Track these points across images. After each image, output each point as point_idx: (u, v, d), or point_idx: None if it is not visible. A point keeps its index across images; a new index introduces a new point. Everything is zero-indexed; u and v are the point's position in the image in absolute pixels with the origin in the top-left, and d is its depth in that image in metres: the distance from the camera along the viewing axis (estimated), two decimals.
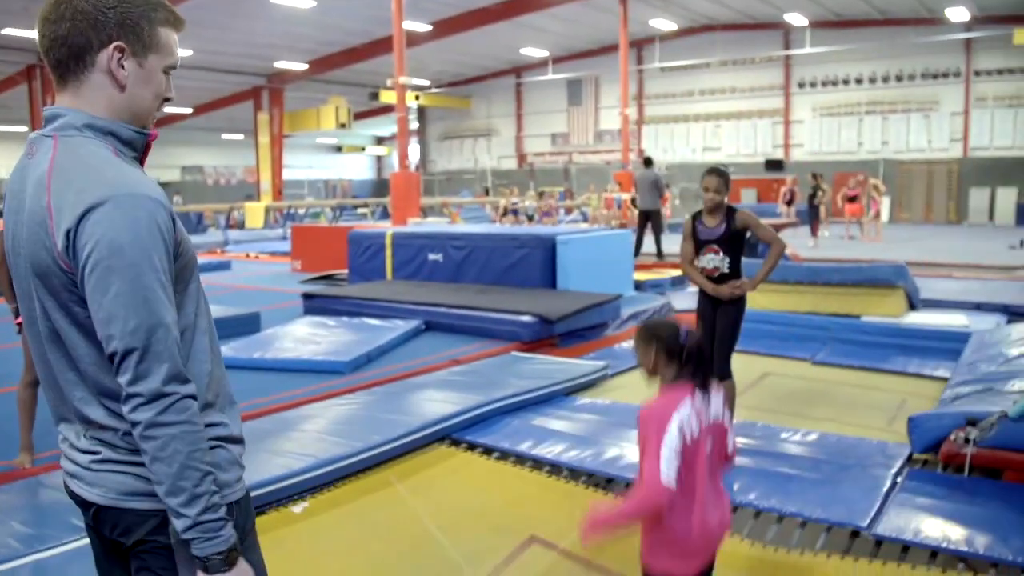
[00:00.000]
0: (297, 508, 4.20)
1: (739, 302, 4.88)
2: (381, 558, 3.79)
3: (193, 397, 1.52)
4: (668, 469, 2.32)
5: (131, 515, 1.59)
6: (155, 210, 1.49)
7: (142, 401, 1.46)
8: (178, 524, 1.50)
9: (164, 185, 37.75)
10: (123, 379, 1.46)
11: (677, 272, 12.22)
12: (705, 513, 2.45)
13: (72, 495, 1.68)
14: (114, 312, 1.44)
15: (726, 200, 4.88)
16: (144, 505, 1.58)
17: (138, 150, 1.63)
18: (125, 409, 1.48)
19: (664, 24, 28.48)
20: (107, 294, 1.43)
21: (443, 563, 3.71)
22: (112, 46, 1.52)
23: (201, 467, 1.50)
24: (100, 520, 1.64)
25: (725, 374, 4.89)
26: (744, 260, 5.05)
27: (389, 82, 17.44)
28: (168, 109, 29.13)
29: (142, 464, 1.53)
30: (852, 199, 20.00)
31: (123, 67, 1.54)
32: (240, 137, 39.74)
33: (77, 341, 1.53)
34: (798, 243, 16.31)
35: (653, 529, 2.47)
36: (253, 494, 4.03)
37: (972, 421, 4.27)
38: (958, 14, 23.83)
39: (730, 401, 4.88)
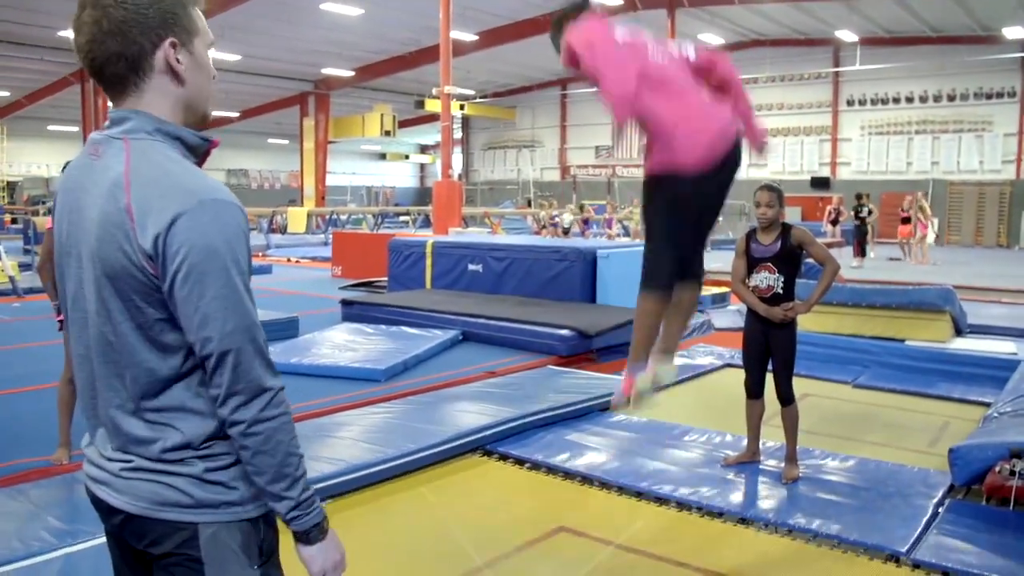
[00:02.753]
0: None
1: (792, 324, 4.76)
2: (400, 556, 3.81)
3: (283, 389, 1.56)
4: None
5: (163, 526, 1.56)
6: (239, 216, 1.52)
7: (243, 400, 1.49)
8: (281, 506, 1.56)
9: None
10: (221, 379, 1.47)
11: (717, 289, 12.10)
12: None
13: (96, 500, 1.64)
14: (211, 314, 1.45)
15: (781, 217, 4.77)
16: (177, 517, 1.55)
17: (199, 156, 1.63)
18: (224, 411, 1.49)
19: (712, 39, 28.31)
20: (203, 297, 1.44)
21: (461, 561, 3.70)
22: (166, 43, 1.51)
23: (298, 452, 1.57)
24: (127, 529, 1.61)
25: (789, 399, 4.78)
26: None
27: (434, 91, 17.52)
28: (215, 113, 29.61)
29: (177, 475, 1.53)
30: (906, 220, 19.64)
31: (180, 61, 1.53)
32: (285, 142, 40.23)
33: (135, 347, 1.50)
34: (842, 263, 16.03)
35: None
36: None
37: (1017, 453, 4.16)
38: (1014, 32, 23.39)
39: (793, 426, 4.78)
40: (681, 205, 3.12)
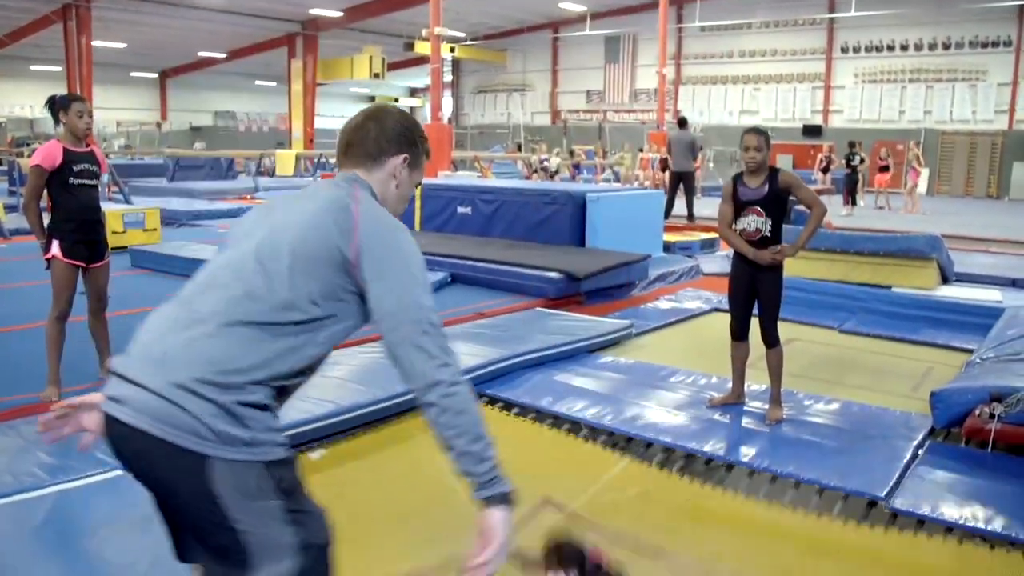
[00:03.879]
0: (315, 455, 4.24)
1: (779, 268, 4.76)
2: (397, 508, 3.81)
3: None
4: None
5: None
6: (415, 243, 1.92)
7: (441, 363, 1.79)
8: (481, 467, 1.78)
9: (195, 130, 37.90)
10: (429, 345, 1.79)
11: (707, 235, 12.13)
12: None
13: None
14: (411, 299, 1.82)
15: (767, 161, 4.75)
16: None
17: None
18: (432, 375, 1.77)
19: None
20: (404, 288, 1.81)
21: (457, 516, 3.73)
22: (402, 156, 2.03)
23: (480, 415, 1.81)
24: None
25: (774, 341, 4.82)
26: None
27: (424, 32, 17.29)
28: (202, 53, 29.24)
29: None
30: (883, 169, 19.66)
31: (402, 173, 2.05)
32: (273, 84, 39.76)
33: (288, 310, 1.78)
34: (832, 211, 16.07)
35: None
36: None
37: (997, 397, 4.21)
38: None
39: (778, 368, 4.83)
40: None
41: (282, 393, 1.87)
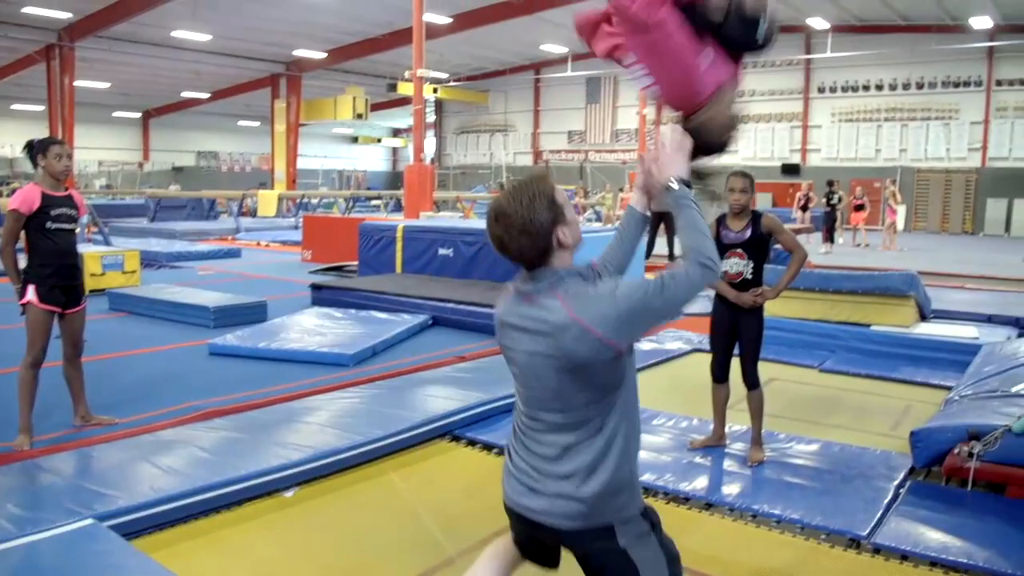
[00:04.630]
0: (288, 493, 4.24)
1: (759, 310, 4.79)
2: (369, 541, 3.80)
3: None
4: None
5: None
6: (623, 285, 2.14)
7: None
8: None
9: (177, 171, 37.86)
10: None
11: None
12: None
13: None
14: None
15: (751, 203, 4.79)
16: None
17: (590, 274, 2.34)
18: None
19: None
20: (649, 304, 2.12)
21: (431, 548, 3.70)
22: (556, 232, 2.16)
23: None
24: None
25: (754, 383, 4.83)
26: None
27: (407, 74, 17.41)
28: (185, 93, 29.18)
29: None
30: (860, 207, 19.90)
31: (565, 234, 2.18)
32: (256, 124, 39.86)
33: (581, 394, 2.18)
34: (811, 249, 16.20)
35: None
36: (251, 483, 4.06)
37: (975, 435, 4.22)
38: (981, 22, 23.62)
39: (759, 410, 4.83)
40: None
41: None
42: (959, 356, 7.20)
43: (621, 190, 23.61)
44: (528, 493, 2.24)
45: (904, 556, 3.62)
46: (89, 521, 3.46)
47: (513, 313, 2.27)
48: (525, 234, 2.15)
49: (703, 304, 5.11)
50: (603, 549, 2.22)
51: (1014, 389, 5.14)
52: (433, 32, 22.14)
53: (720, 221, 4.83)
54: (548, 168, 35.92)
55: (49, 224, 4.76)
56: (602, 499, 2.17)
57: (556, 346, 2.11)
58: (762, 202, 28.82)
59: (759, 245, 4.72)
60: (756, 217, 4.72)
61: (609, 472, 2.17)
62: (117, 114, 37.23)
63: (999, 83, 27.14)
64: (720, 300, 4.85)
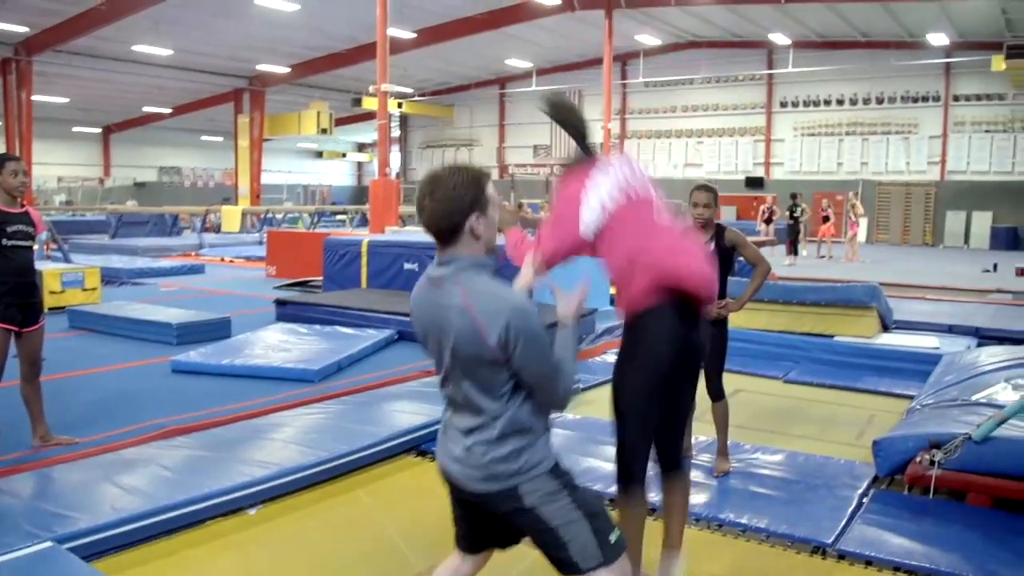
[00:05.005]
0: (252, 511, 4.18)
1: (724, 322, 4.83)
2: (336, 558, 3.77)
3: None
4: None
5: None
6: (533, 308, 2.36)
7: (560, 406, 2.47)
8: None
9: (139, 186, 37.45)
10: (545, 397, 2.41)
11: None
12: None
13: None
14: (540, 366, 2.34)
15: (715, 217, 4.83)
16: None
17: (494, 268, 2.44)
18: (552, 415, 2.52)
19: (649, 39, 28.62)
20: (533, 359, 2.31)
21: (399, 564, 3.67)
22: (471, 218, 2.35)
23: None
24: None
25: (719, 394, 4.85)
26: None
27: (371, 88, 17.39)
28: (147, 108, 28.74)
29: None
30: (825, 219, 20.25)
31: (480, 225, 2.37)
32: (220, 139, 39.54)
33: (481, 376, 2.37)
34: (775, 261, 16.36)
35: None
36: (214, 502, 4.00)
37: (936, 444, 4.28)
38: (938, 39, 24.10)
39: (724, 421, 4.86)
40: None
41: None
42: (921, 366, 7.30)
43: None
44: (450, 460, 2.49)
45: (868, 562, 3.66)
46: (48, 544, 3.39)
47: (423, 298, 2.49)
48: (442, 202, 2.35)
49: None
50: (513, 510, 2.43)
51: (974, 398, 5.22)
52: (397, 47, 22.16)
53: None
54: (514, 182, 36.00)
55: (4, 241, 4.68)
56: (502, 462, 2.38)
57: (454, 331, 2.34)
58: (727, 215, 29.12)
59: (723, 258, 4.75)
60: (720, 231, 4.76)
61: (510, 437, 2.39)
62: (77, 129, 36.76)
63: (956, 98, 27.69)
64: None
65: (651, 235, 3.04)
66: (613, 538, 2.46)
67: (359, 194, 43.80)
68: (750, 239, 5.22)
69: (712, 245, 4.72)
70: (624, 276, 3.05)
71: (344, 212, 28.82)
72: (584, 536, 2.43)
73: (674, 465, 3.28)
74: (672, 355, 3.02)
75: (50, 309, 9.86)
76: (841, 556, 3.72)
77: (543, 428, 2.49)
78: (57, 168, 36.04)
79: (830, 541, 3.80)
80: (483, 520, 2.60)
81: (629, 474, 3.08)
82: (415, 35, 24.87)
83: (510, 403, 2.39)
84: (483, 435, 2.41)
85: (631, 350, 3.07)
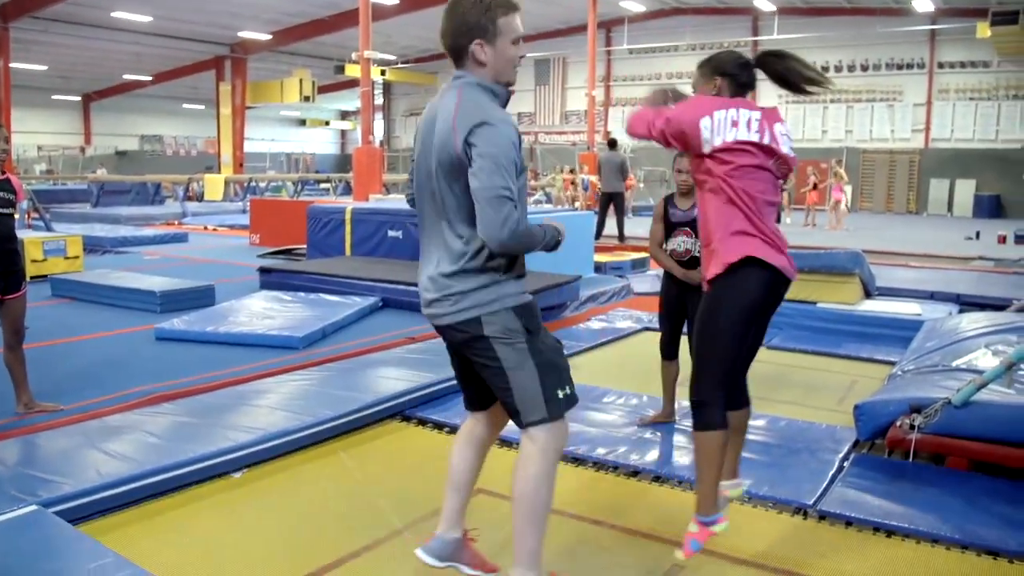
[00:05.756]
0: (237, 474, 4.22)
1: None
2: (318, 517, 3.81)
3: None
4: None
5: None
6: (511, 132, 2.45)
7: (494, 237, 2.43)
8: (546, 245, 2.69)
9: (121, 155, 37.16)
10: (483, 221, 2.42)
11: (638, 255, 12.28)
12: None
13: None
14: (486, 181, 2.39)
15: None
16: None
17: (503, 99, 2.61)
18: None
19: (633, 6, 28.45)
20: (483, 170, 2.39)
21: (380, 522, 3.70)
22: (474, 43, 2.53)
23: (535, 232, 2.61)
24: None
25: None
26: None
27: (354, 55, 17.24)
28: (127, 76, 28.48)
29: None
30: (813, 187, 20.30)
31: (485, 52, 2.54)
32: (202, 107, 39.20)
33: (448, 198, 2.52)
34: None
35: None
36: (200, 466, 4.02)
37: (916, 408, 4.33)
38: (923, 5, 24.07)
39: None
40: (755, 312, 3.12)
41: None
42: (902, 332, 7.36)
43: (572, 171, 23.59)
44: (428, 302, 2.65)
45: (848, 522, 3.71)
46: (33, 507, 3.39)
47: (428, 107, 2.67)
48: (450, 22, 2.57)
49: (653, 283, 5.16)
50: (472, 339, 2.57)
51: (955, 363, 5.27)
52: (381, 13, 21.96)
53: (668, 201, 4.89)
54: None
55: None
56: (469, 294, 2.53)
57: (436, 134, 2.51)
58: None
59: None
60: None
61: (474, 268, 2.53)
62: (56, 97, 36.37)
63: (941, 65, 27.71)
64: (669, 278, 4.90)
65: (767, 208, 3.10)
66: (561, 394, 2.56)
67: (343, 162, 43.57)
68: None
69: (696, 211, 4.72)
70: (732, 224, 3.04)
71: (328, 180, 28.65)
72: (531, 387, 2.52)
73: (743, 403, 3.36)
74: (762, 298, 3.09)
75: (32, 278, 9.82)
76: (822, 517, 3.78)
77: (513, 268, 2.59)
78: (37, 136, 35.68)
79: (811, 502, 3.85)
80: (472, 369, 2.72)
81: (714, 397, 3.04)
82: (398, 1, 24.60)
83: (470, 231, 2.50)
84: (450, 266, 2.54)
85: (725, 288, 3.07)
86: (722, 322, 3.01)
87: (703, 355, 3.05)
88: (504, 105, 2.63)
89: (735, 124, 3.00)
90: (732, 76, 3.23)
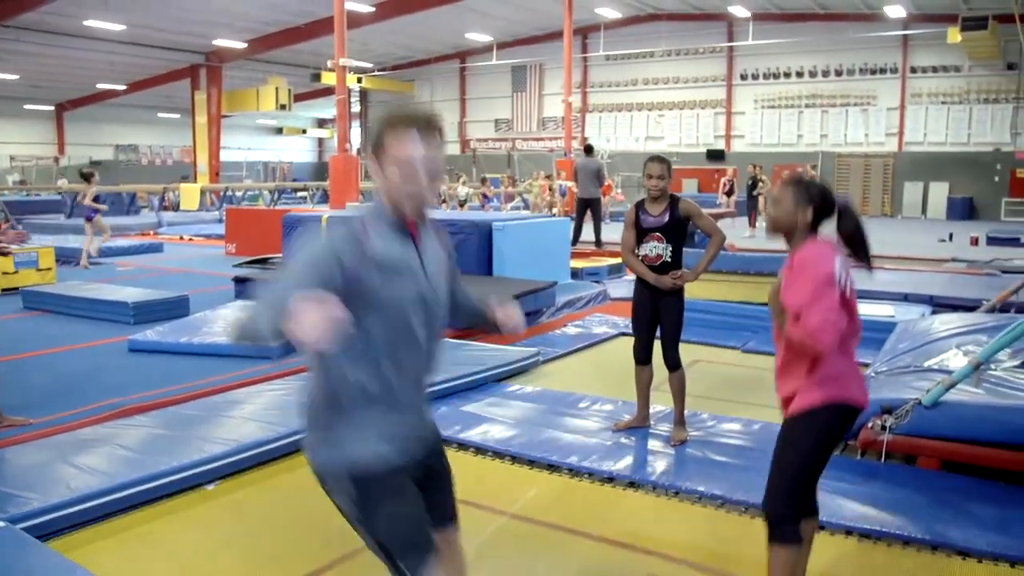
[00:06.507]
0: (210, 486, 4.19)
1: (680, 292, 4.88)
2: (292, 528, 3.80)
3: None
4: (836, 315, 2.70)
5: None
6: (325, 241, 2.05)
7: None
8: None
9: (95, 164, 36.84)
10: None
11: (614, 260, 12.30)
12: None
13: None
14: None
15: (669, 188, 4.87)
16: None
17: (397, 229, 2.15)
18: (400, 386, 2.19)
19: (609, 12, 28.54)
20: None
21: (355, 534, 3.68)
22: (371, 158, 2.14)
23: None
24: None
25: (675, 364, 4.92)
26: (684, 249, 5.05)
27: (330, 63, 17.20)
28: (101, 85, 28.15)
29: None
30: None
31: (373, 168, 2.14)
32: (177, 116, 38.88)
33: None
34: (735, 233, 16.52)
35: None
36: (173, 478, 3.98)
37: (888, 409, 4.36)
38: (896, 11, 24.31)
39: (680, 390, 4.92)
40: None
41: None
42: (876, 334, 7.36)
43: (548, 177, 23.61)
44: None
45: (821, 526, 3.71)
46: (1, 524, 3.35)
47: None
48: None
49: (629, 289, 5.17)
50: (332, 498, 2.27)
51: (926, 364, 5.32)
52: (356, 21, 21.91)
53: (639, 206, 4.90)
54: (476, 157, 35.87)
55: None
56: (312, 445, 2.18)
57: None
58: (688, 188, 29.29)
59: (677, 229, 4.80)
60: (674, 201, 4.80)
61: (318, 405, 2.14)
62: (28, 107, 35.98)
63: (913, 70, 27.98)
64: (641, 283, 4.92)
65: (849, 345, 2.93)
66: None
67: (320, 170, 43.38)
68: (712, 211, 5.26)
69: (667, 216, 4.76)
70: (829, 363, 2.86)
71: (304, 188, 28.52)
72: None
73: (815, 510, 3.09)
74: (845, 430, 3.01)
75: (3, 290, 9.72)
76: None
77: (365, 401, 2.09)
78: (9, 147, 35.30)
79: None
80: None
81: (791, 512, 2.91)
82: (374, 9, 24.56)
83: (320, 370, 2.12)
84: (303, 395, 2.22)
85: (817, 422, 2.90)
86: (806, 450, 2.90)
87: (782, 471, 2.95)
88: (408, 238, 2.15)
89: (845, 272, 2.85)
90: (821, 210, 2.94)
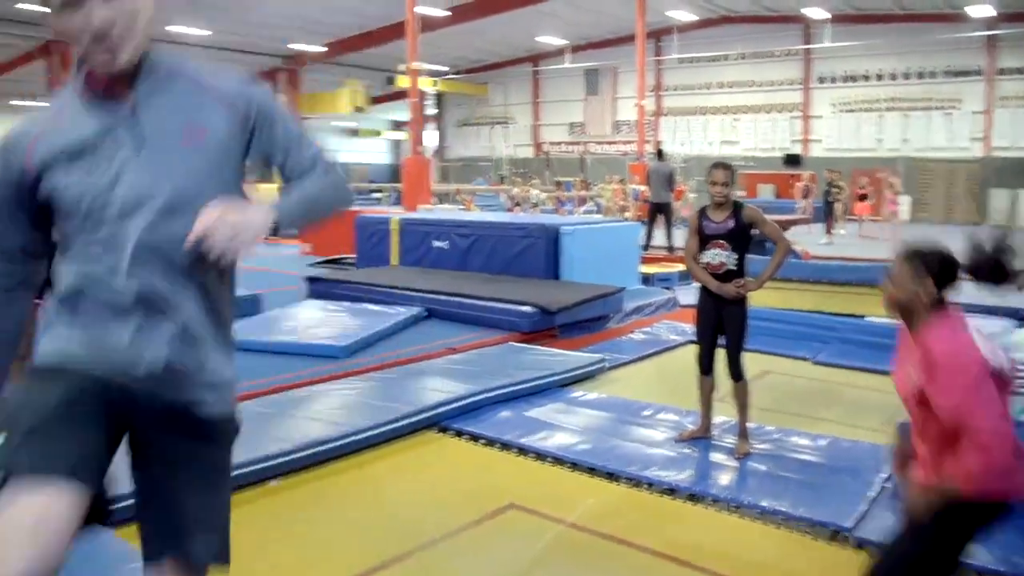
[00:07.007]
0: (274, 482, 4.29)
1: (743, 301, 4.80)
2: (350, 526, 3.85)
3: None
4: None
5: None
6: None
7: None
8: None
9: None
10: None
11: (684, 267, 12.15)
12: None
13: None
14: None
15: (733, 194, 4.80)
16: None
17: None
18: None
19: (682, 15, 28.25)
20: None
21: (412, 532, 3.71)
22: None
23: None
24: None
25: (739, 375, 4.84)
26: (749, 257, 4.96)
27: (403, 67, 17.39)
28: None
29: None
30: (862, 197, 19.87)
31: None
32: None
33: None
34: (811, 240, 16.20)
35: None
36: (238, 472, 4.06)
37: None
38: (981, 11, 23.51)
39: (744, 402, 4.84)
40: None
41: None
42: None
43: (622, 181, 23.45)
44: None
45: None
46: None
47: None
48: None
49: (696, 295, 5.10)
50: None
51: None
52: (430, 24, 22.11)
53: (702, 213, 4.84)
54: (549, 160, 35.87)
55: None
56: None
57: None
58: (764, 193, 28.76)
59: (741, 236, 4.73)
60: (738, 208, 4.73)
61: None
62: None
63: (1001, 72, 27.00)
64: (705, 291, 4.86)
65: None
66: None
67: (397, 172, 43.87)
68: (789, 217, 5.16)
69: (731, 223, 4.69)
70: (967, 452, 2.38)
71: (380, 190, 28.86)
72: None
73: None
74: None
75: None
76: (860, 545, 3.64)
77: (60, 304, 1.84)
78: None
79: (849, 526, 3.75)
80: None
81: None
82: (448, 13, 24.75)
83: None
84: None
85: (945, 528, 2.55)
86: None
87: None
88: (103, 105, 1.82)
89: (988, 345, 2.49)
90: (942, 277, 2.61)
